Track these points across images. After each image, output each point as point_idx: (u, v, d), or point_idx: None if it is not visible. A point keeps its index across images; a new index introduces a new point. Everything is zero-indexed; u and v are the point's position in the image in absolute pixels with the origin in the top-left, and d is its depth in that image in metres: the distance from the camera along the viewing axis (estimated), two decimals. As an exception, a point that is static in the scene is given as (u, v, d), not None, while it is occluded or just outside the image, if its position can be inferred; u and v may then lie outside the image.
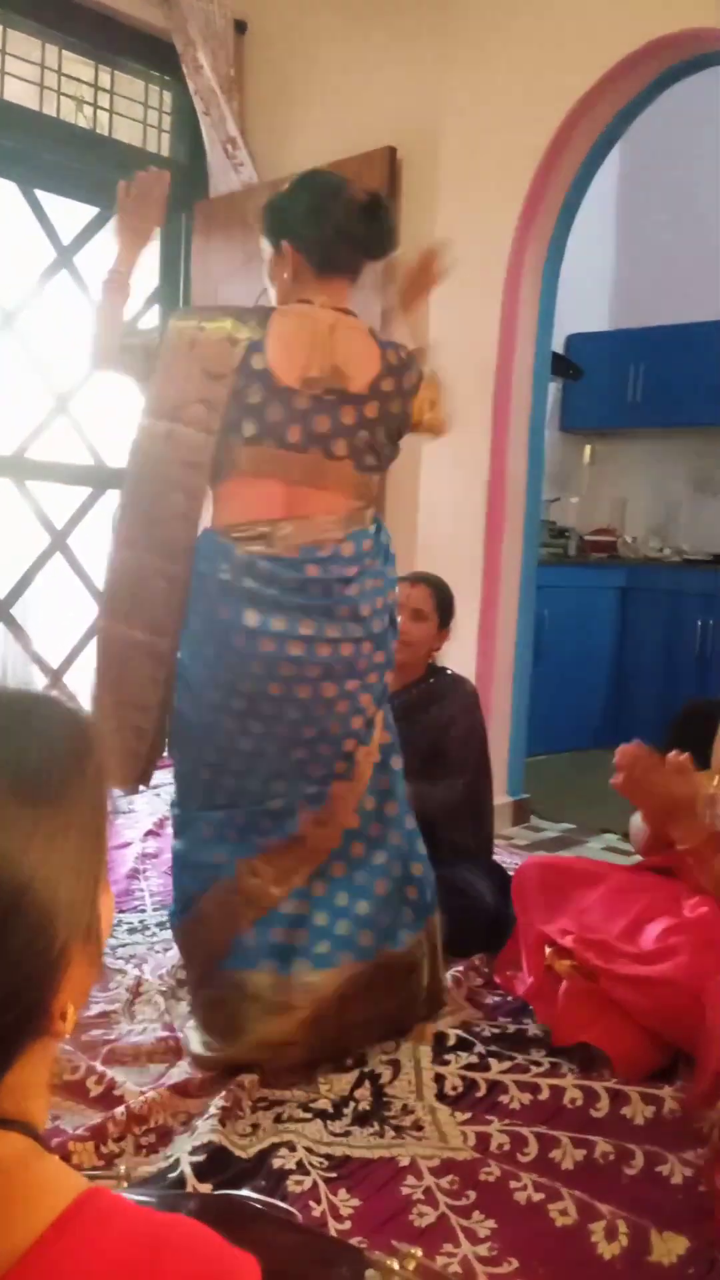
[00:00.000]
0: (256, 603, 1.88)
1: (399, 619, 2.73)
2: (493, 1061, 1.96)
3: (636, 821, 2.36)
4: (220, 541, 1.92)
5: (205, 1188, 1.56)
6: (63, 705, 0.69)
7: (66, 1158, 1.60)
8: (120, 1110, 1.72)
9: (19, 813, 0.60)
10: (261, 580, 1.88)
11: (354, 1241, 1.43)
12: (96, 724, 0.70)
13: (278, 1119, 1.77)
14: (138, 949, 2.47)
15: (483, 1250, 1.46)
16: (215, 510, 1.97)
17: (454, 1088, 1.88)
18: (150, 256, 4.30)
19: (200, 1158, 1.62)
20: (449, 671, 2.85)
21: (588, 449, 6.19)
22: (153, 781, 4.03)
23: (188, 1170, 1.60)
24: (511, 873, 2.56)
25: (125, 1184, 0.85)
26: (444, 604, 2.80)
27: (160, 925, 2.62)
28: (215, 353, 1.92)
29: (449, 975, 2.34)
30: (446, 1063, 1.95)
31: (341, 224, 1.98)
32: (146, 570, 1.96)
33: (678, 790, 2.05)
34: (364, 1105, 1.82)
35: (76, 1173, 0.64)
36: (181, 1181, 1.57)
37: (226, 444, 1.92)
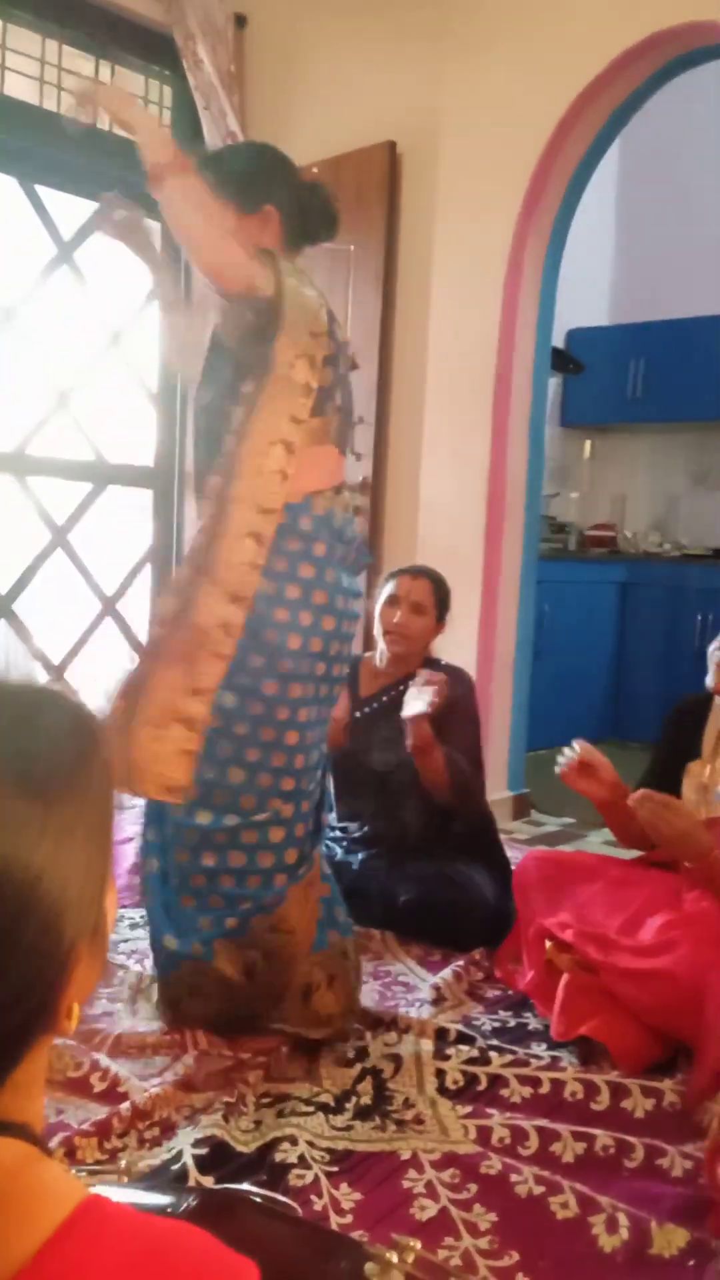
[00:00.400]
0: (332, 562, 1.95)
1: (400, 612, 2.75)
2: (493, 1055, 1.97)
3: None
4: (329, 508, 1.96)
5: (207, 1181, 1.56)
6: (69, 701, 0.68)
7: (71, 1153, 1.60)
8: (125, 1106, 1.72)
9: (28, 810, 0.60)
10: (345, 542, 1.98)
11: (355, 1235, 1.43)
12: (102, 721, 0.70)
13: (280, 1113, 1.77)
14: (140, 944, 2.47)
15: (484, 1243, 1.47)
16: (306, 474, 1.94)
17: (455, 1081, 1.89)
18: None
19: (203, 1150, 1.63)
20: (444, 663, 2.87)
21: (588, 444, 6.19)
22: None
23: (190, 1163, 1.60)
24: (512, 867, 2.57)
25: (126, 1179, 0.85)
26: (443, 598, 2.82)
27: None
28: (315, 311, 1.92)
29: (449, 970, 2.35)
30: (447, 1057, 1.96)
31: (320, 201, 2.03)
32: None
33: (683, 825, 2.12)
34: (365, 1099, 1.83)
35: (77, 1179, 0.64)
36: (183, 1174, 1.58)
37: (321, 412, 1.93)
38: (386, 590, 2.82)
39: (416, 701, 2.55)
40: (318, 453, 1.93)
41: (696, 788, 2.31)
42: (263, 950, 1.94)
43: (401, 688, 2.78)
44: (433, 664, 2.84)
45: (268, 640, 1.86)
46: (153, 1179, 1.55)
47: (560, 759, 2.35)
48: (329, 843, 2.80)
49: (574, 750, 2.33)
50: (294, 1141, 1.68)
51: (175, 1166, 1.60)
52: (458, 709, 2.77)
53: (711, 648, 2.36)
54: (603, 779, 2.30)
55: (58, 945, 0.61)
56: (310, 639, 1.89)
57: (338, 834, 2.82)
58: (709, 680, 2.35)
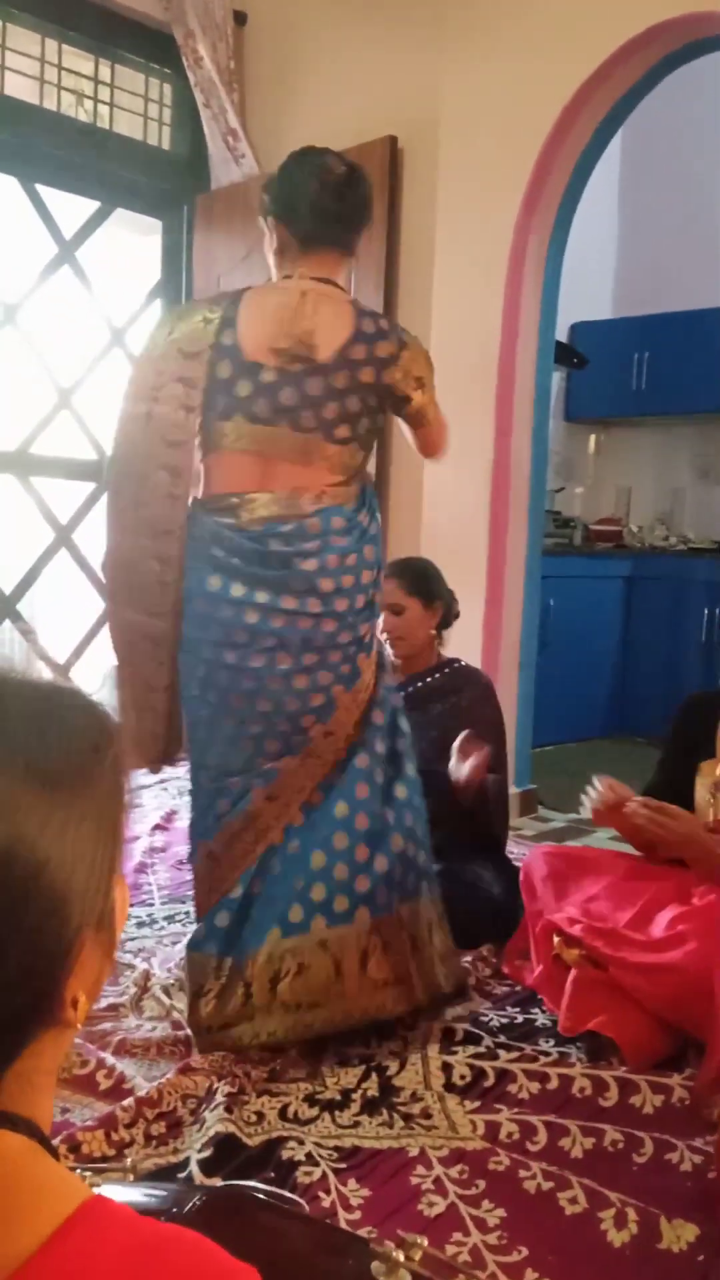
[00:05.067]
0: (220, 569, 1.95)
1: (383, 617, 2.73)
2: (501, 1051, 1.96)
3: None
4: (194, 512, 2.00)
5: (214, 1180, 1.56)
6: (83, 697, 0.70)
7: (76, 1147, 1.60)
8: (129, 1101, 1.72)
9: (37, 798, 0.62)
10: (226, 549, 1.95)
11: (363, 1231, 1.43)
12: (115, 717, 0.72)
13: (282, 1114, 1.77)
14: (146, 943, 2.47)
15: (492, 1239, 1.47)
16: (201, 485, 2.02)
17: (462, 1077, 1.88)
18: (152, 249, 4.31)
19: (208, 1153, 1.63)
20: (462, 662, 2.84)
21: (592, 438, 6.18)
22: (162, 774, 4.05)
23: (196, 1170, 1.60)
24: (519, 863, 2.56)
25: (131, 1177, 0.85)
26: (419, 586, 2.75)
27: (169, 919, 2.63)
28: (190, 333, 1.98)
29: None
30: (455, 1053, 1.95)
31: (315, 199, 2.01)
32: (138, 552, 2.02)
33: (682, 829, 2.14)
34: (371, 1093, 1.83)
35: (79, 1179, 0.64)
36: (190, 1179, 1.58)
37: (206, 420, 1.97)
38: None
39: (460, 769, 2.52)
40: (211, 461, 2.00)
41: (709, 787, 2.30)
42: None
43: (414, 688, 2.77)
44: (450, 664, 2.82)
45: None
46: (158, 1179, 1.55)
47: (585, 801, 2.31)
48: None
49: (597, 789, 2.28)
50: (300, 1140, 1.68)
51: (182, 1174, 1.60)
52: (474, 716, 2.74)
53: None
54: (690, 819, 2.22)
55: (62, 931, 0.62)
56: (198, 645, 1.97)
57: None
58: None
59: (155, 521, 1.99)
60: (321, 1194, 1.55)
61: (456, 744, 2.54)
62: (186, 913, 2.60)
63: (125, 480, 2.02)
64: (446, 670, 2.80)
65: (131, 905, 2.72)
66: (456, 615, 2.88)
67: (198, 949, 1.97)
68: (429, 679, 2.78)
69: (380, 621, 2.77)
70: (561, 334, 5.05)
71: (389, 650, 2.80)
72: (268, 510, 1.94)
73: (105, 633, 4.19)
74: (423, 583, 2.77)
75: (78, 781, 0.64)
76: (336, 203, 2.01)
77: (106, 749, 0.68)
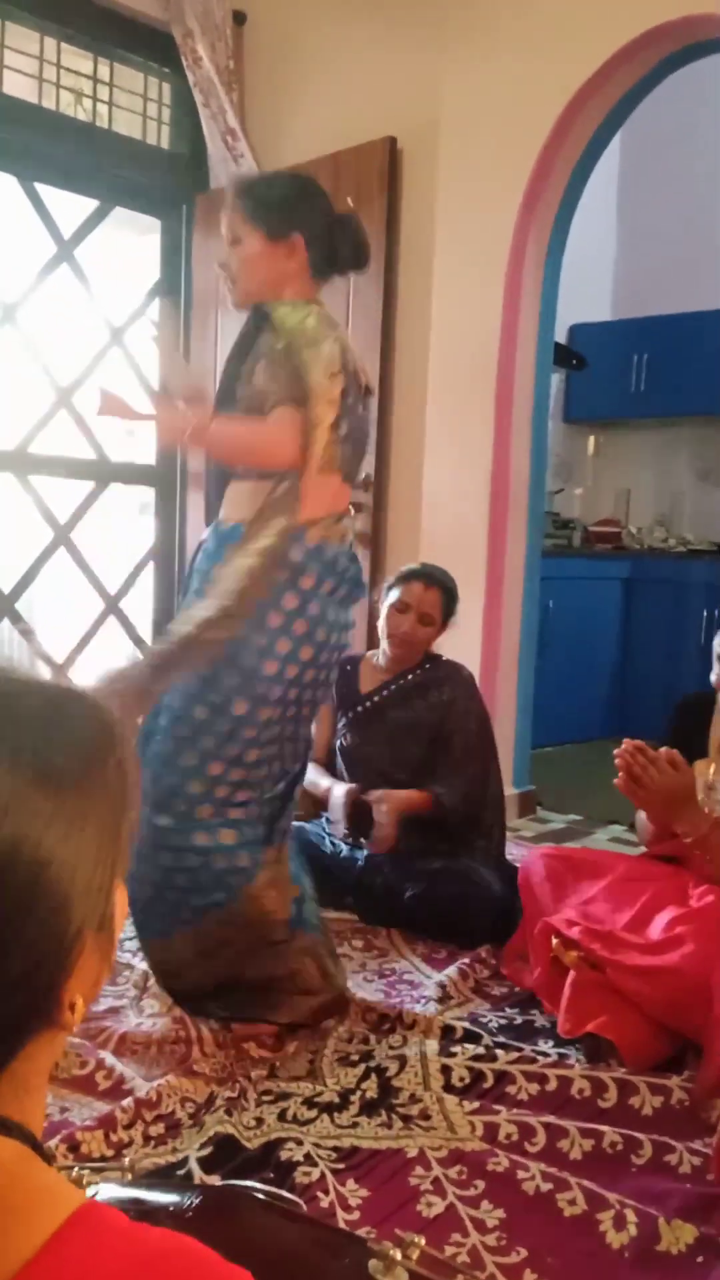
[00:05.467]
0: (332, 597, 1.99)
1: (409, 620, 2.76)
2: (500, 1052, 1.96)
3: (642, 818, 2.38)
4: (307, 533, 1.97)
5: (212, 1180, 1.56)
6: (89, 701, 0.70)
7: (75, 1147, 1.60)
8: (128, 1101, 1.71)
9: (42, 799, 0.62)
10: (337, 575, 1.99)
11: (362, 1232, 1.43)
12: (121, 722, 0.72)
13: (281, 1115, 1.76)
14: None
15: (491, 1240, 1.46)
16: (303, 503, 1.97)
17: (461, 1078, 1.88)
18: (151, 249, 4.31)
19: (207, 1151, 1.63)
20: (444, 658, 2.88)
21: (591, 439, 6.18)
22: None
23: (195, 1167, 1.60)
24: (518, 863, 2.56)
25: (129, 1176, 0.84)
26: (450, 606, 2.85)
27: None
28: (329, 359, 1.96)
29: (455, 967, 2.34)
30: (454, 1054, 1.95)
31: (352, 233, 2.06)
32: None
33: (674, 783, 2.11)
34: (370, 1094, 1.82)
35: (72, 1185, 0.63)
36: (188, 1174, 1.58)
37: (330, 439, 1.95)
38: (396, 594, 2.81)
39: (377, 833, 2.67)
40: (320, 481, 1.95)
41: (702, 787, 2.30)
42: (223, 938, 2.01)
43: (401, 683, 2.82)
44: (433, 659, 2.87)
45: (243, 663, 1.91)
46: (156, 1178, 1.54)
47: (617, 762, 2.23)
48: (332, 840, 2.80)
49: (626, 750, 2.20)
50: (299, 1141, 1.68)
51: (180, 1171, 1.60)
52: (454, 710, 2.79)
53: (716, 642, 2.35)
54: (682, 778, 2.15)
55: (63, 931, 0.62)
56: (286, 666, 1.93)
57: (343, 830, 2.82)
58: (713, 676, 2.33)
59: None
60: (320, 1194, 1.54)
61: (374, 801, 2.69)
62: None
63: None
64: (428, 665, 2.87)
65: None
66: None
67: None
68: (412, 674, 2.85)
69: (385, 620, 2.81)
70: (560, 335, 5.05)
71: (386, 645, 2.82)
72: (353, 526, 2.06)
73: (103, 632, 4.20)
74: (453, 605, 2.86)
75: (83, 783, 0.65)
76: (363, 243, 2.11)
77: (112, 752, 0.68)
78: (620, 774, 2.17)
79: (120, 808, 0.67)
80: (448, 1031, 2.05)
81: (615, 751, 2.18)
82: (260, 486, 1.97)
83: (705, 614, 5.12)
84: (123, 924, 0.70)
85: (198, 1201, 0.79)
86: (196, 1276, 0.58)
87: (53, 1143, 1.59)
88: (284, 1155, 1.63)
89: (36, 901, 0.61)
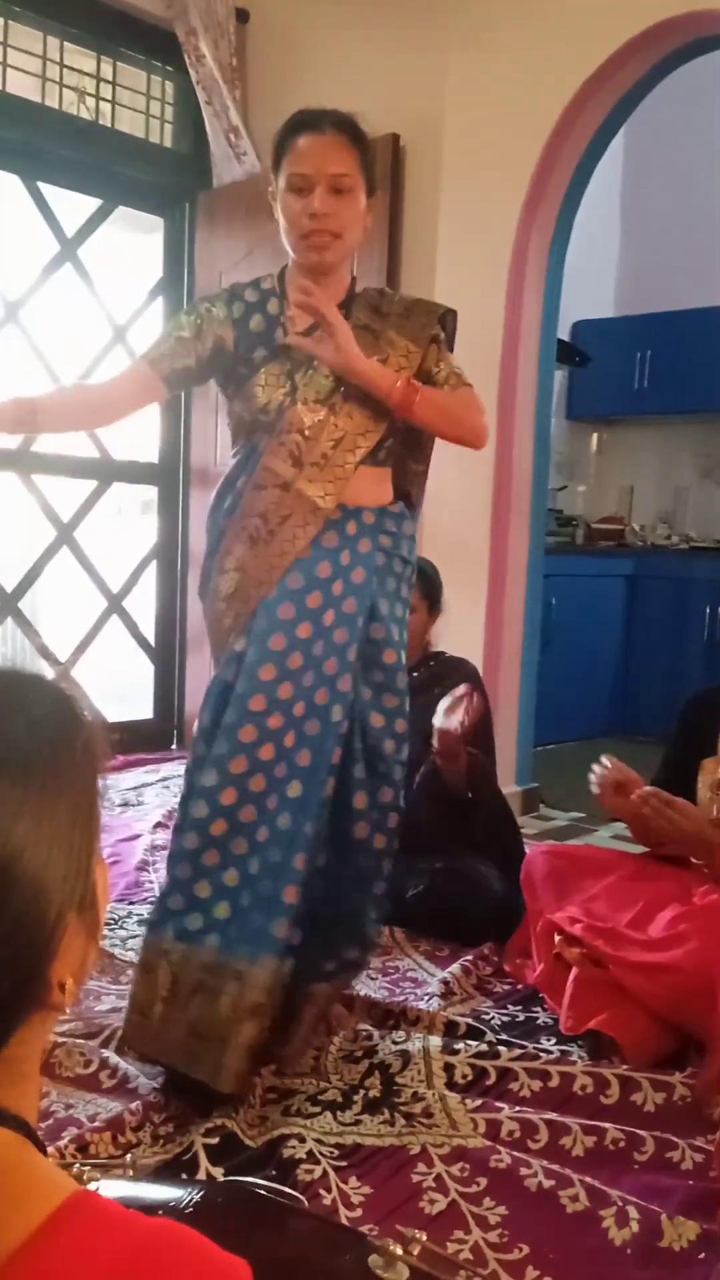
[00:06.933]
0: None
1: None
2: (503, 1049, 1.96)
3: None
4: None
5: (217, 1172, 1.56)
6: (50, 685, 0.70)
7: (84, 1148, 1.60)
8: (136, 1104, 1.72)
9: (8, 789, 0.62)
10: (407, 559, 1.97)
11: (364, 1229, 1.43)
12: (85, 702, 0.72)
13: (285, 1111, 1.77)
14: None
15: (493, 1237, 1.47)
16: (388, 487, 1.95)
17: (464, 1075, 1.88)
18: (154, 247, 4.31)
19: (214, 1140, 1.63)
20: (447, 654, 2.87)
21: (594, 436, 6.17)
22: (160, 774, 4.05)
23: (201, 1152, 1.61)
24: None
25: (131, 1172, 0.85)
26: (430, 590, 2.77)
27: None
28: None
29: (458, 965, 2.34)
30: (456, 1051, 1.95)
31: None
32: None
33: (689, 827, 2.14)
34: (374, 1093, 1.82)
35: (65, 1173, 0.64)
36: (193, 1165, 1.58)
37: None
38: None
39: (451, 718, 2.52)
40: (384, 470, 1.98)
41: (710, 785, 2.30)
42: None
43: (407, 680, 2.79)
44: (436, 656, 2.85)
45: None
46: (159, 1174, 1.55)
47: (593, 776, 2.31)
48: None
49: (605, 766, 2.29)
50: (302, 1138, 1.68)
51: (186, 1156, 1.60)
52: None
53: None
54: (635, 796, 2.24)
55: (44, 915, 0.62)
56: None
57: None
58: None
59: None
60: (322, 1191, 1.55)
61: (445, 701, 2.54)
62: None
63: None
64: (432, 663, 2.84)
65: (133, 903, 2.72)
66: (441, 612, 2.89)
67: None
68: (416, 673, 2.79)
69: None
70: (563, 332, 5.05)
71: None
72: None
73: (107, 631, 4.21)
74: (432, 588, 2.78)
75: (48, 769, 0.65)
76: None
77: (77, 734, 0.68)
78: (628, 822, 2.22)
79: (90, 789, 0.68)
80: (451, 1028, 2.05)
81: (635, 799, 2.18)
82: (385, 473, 1.94)
83: (708, 611, 5.11)
84: (106, 899, 0.71)
85: (201, 1197, 0.79)
86: (190, 1262, 0.58)
87: (62, 1143, 1.59)
88: (286, 1152, 1.64)
89: (13, 890, 0.61)
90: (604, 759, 2.29)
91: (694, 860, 2.26)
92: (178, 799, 2.08)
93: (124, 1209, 0.60)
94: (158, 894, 1.84)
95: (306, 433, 1.83)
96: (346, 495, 1.85)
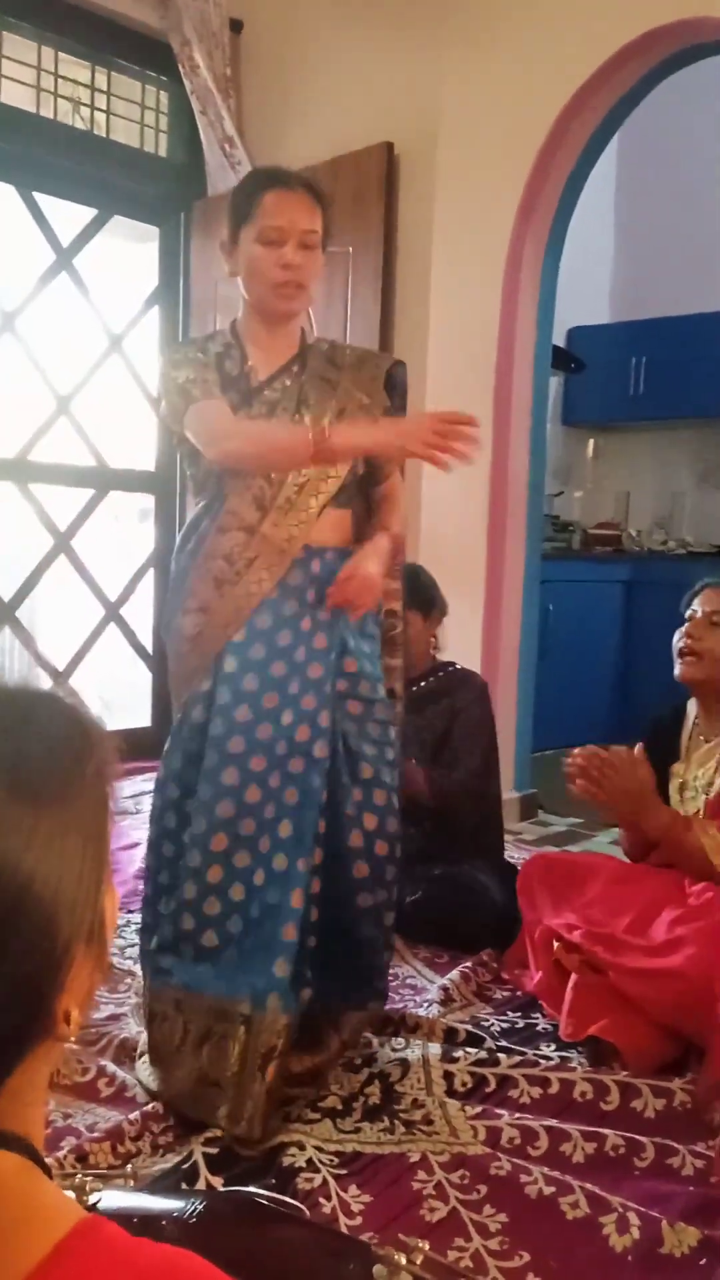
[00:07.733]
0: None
1: None
2: (502, 1056, 1.96)
3: (623, 834, 2.41)
4: None
5: (217, 1181, 1.56)
6: (63, 703, 0.68)
7: (83, 1158, 1.60)
8: (135, 1115, 1.71)
9: (19, 813, 0.60)
10: None
11: (364, 1237, 1.43)
12: (98, 723, 0.69)
13: (286, 1117, 1.77)
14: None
15: (494, 1244, 1.46)
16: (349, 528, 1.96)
17: (464, 1083, 1.88)
18: (149, 257, 4.32)
19: (213, 1149, 1.63)
20: (456, 665, 2.84)
21: (590, 442, 6.18)
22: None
23: (201, 1161, 1.60)
24: (518, 865, 2.56)
25: (132, 1183, 0.84)
26: (421, 597, 2.70)
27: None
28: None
29: (457, 972, 2.34)
30: (456, 1058, 1.95)
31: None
32: None
33: (631, 782, 2.16)
34: (373, 1100, 1.82)
35: (73, 1199, 0.63)
36: (193, 1174, 1.58)
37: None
38: None
39: None
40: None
41: (677, 788, 2.34)
42: None
43: (413, 688, 2.76)
44: (444, 667, 2.82)
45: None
46: (160, 1184, 1.55)
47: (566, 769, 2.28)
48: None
49: (574, 760, 2.25)
50: (301, 1146, 1.68)
51: (186, 1165, 1.60)
52: (463, 716, 2.75)
53: (676, 639, 2.37)
54: (638, 776, 2.21)
55: (52, 946, 0.61)
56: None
57: None
58: (676, 671, 2.36)
59: None
60: (322, 1200, 1.54)
61: None
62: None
63: None
64: (441, 674, 2.81)
65: (131, 911, 2.71)
66: (445, 613, 2.85)
67: None
68: (423, 683, 2.78)
69: None
70: (559, 338, 5.05)
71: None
72: None
73: (104, 640, 4.21)
74: (420, 594, 2.69)
75: (61, 793, 0.63)
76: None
77: (89, 757, 0.66)
78: (577, 782, 2.19)
79: (102, 813, 0.65)
80: (450, 1034, 2.05)
81: (566, 761, 2.17)
82: (347, 515, 1.94)
83: (705, 616, 5.11)
84: (114, 931, 0.68)
85: (203, 1208, 0.79)
86: None
87: (61, 1153, 1.59)
88: (286, 1161, 1.63)
89: (22, 918, 0.59)
90: (575, 751, 2.26)
91: (647, 831, 2.24)
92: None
93: (132, 1237, 0.59)
94: (156, 943, 1.84)
95: (272, 477, 1.84)
96: (311, 537, 1.87)
